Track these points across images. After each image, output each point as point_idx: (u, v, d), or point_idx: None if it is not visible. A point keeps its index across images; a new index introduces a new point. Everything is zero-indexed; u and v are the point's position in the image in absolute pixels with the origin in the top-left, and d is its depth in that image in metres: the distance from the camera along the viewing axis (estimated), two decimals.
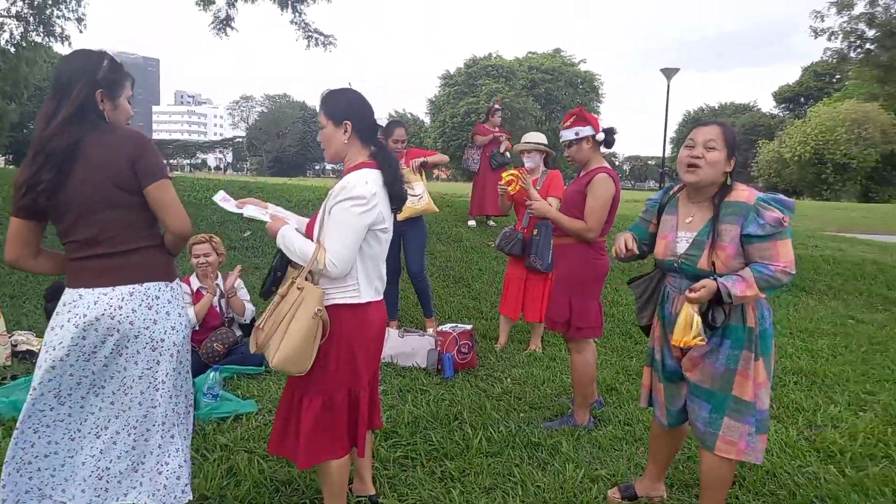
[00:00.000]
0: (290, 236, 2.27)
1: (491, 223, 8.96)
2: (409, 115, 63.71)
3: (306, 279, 2.21)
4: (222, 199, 2.45)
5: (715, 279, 2.23)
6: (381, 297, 2.41)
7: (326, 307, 2.24)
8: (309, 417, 2.28)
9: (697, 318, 2.25)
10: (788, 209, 2.25)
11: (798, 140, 40.21)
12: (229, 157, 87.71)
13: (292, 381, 2.36)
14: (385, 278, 2.45)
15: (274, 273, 2.35)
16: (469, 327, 4.68)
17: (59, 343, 2.03)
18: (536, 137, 4.94)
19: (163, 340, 2.11)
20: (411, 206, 4.92)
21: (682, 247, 2.40)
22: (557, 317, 3.51)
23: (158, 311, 2.10)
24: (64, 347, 2.03)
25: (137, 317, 2.06)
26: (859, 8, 16.94)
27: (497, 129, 8.42)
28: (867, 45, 17.43)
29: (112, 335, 2.05)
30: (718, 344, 2.34)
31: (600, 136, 3.43)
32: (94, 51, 2.14)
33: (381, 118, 5.90)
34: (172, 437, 2.15)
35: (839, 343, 5.55)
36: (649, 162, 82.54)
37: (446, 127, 48.23)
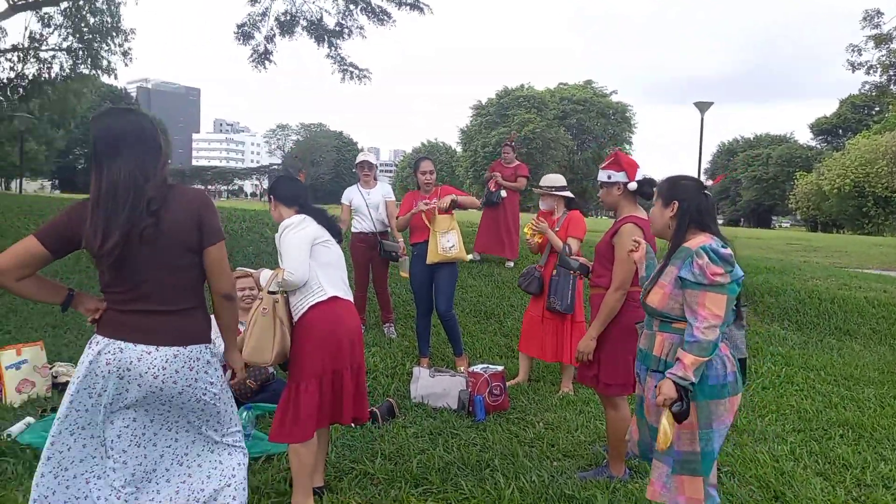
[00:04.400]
0: (261, 275, 3.04)
1: (509, 264, 8.72)
2: (440, 144, 64.30)
3: (274, 298, 2.80)
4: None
5: (665, 375, 2.30)
6: (349, 299, 3.00)
7: (304, 312, 2.83)
8: (283, 402, 2.85)
9: (664, 423, 2.26)
10: (724, 261, 2.27)
11: (837, 172, 39.29)
12: (266, 184, 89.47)
13: None
14: (348, 288, 3.03)
15: None
16: (501, 368, 4.63)
17: (103, 390, 2.06)
18: (551, 181, 4.94)
19: (205, 393, 2.20)
20: (443, 254, 5.05)
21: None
22: (586, 369, 3.45)
23: (198, 371, 2.17)
24: (108, 395, 2.06)
25: (180, 377, 2.12)
26: None
27: (512, 165, 8.31)
28: None
29: (155, 393, 2.10)
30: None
31: (632, 186, 3.30)
32: (142, 112, 2.29)
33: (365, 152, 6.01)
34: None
35: (887, 392, 5.31)
36: None
37: (478, 157, 48.51)
